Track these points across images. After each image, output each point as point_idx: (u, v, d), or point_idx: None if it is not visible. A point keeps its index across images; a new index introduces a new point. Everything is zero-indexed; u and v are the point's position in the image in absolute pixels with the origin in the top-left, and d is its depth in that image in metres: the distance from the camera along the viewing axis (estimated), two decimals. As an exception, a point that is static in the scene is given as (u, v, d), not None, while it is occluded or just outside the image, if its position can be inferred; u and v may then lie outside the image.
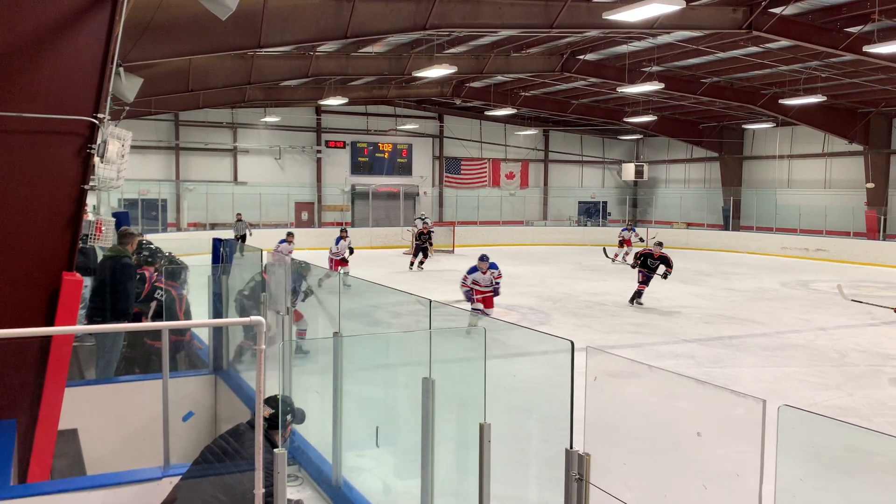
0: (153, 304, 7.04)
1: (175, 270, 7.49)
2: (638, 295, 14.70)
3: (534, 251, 27.24)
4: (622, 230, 23.99)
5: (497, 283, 12.10)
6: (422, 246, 21.44)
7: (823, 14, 15.09)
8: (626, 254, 22.26)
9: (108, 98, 5.84)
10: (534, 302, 15.04)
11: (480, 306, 11.97)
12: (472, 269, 12.07)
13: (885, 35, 14.47)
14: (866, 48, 13.99)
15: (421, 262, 21.28)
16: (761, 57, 18.90)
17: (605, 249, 17.56)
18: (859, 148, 25.58)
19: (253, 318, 2.29)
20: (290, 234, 16.78)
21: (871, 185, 25.48)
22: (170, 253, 8.60)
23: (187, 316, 7.46)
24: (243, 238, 23.03)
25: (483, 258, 12.13)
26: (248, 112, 28.75)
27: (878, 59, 15.97)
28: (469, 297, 12.11)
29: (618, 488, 2.21)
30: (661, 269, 14.64)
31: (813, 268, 22.58)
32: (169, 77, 17.44)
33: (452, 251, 26.38)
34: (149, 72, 13.99)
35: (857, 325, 12.96)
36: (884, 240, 24.74)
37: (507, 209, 33.69)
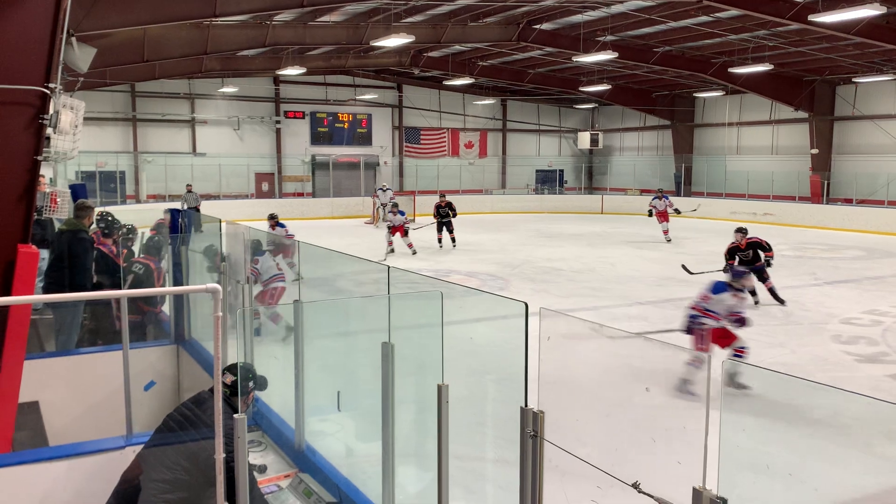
0: (130, 278, 6.91)
1: (154, 244, 7.37)
2: (775, 298, 11.43)
3: (493, 219, 27.33)
4: (653, 199, 20.34)
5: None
6: (444, 221, 18.72)
7: (771, -16, 15.24)
8: (666, 231, 19.85)
9: (60, 68, 5.66)
10: (493, 269, 15.13)
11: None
12: (720, 287, 7.25)
13: (829, 5, 14.65)
14: (811, 17, 14.18)
15: (452, 239, 18.72)
16: (711, 26, 19.04)
17: (684, 266, 12.97)
18: (804, 115, 26.04)
19: (209, 285, 2.26)
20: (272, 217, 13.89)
21: (815, 151, 26.00)
22: (131, 225, 8.43)
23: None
24: (196, 210, 22.45)
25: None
26: (206, 83, 28.11)
27: (822, 27, 16.20)
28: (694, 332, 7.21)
29: (571, 444, 2.25)
30: (761, 255, 11.53)
31: (761, 231, 22.98)
32: (124, 47, 16.95)
33: (413, 220, 26.31)
34: (103, 42, 13.57)
35: (801, 285, 13.30)
36: (827, 203, 25.34)
37: (467, 178, 33.66)
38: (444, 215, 18.80)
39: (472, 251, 18.03)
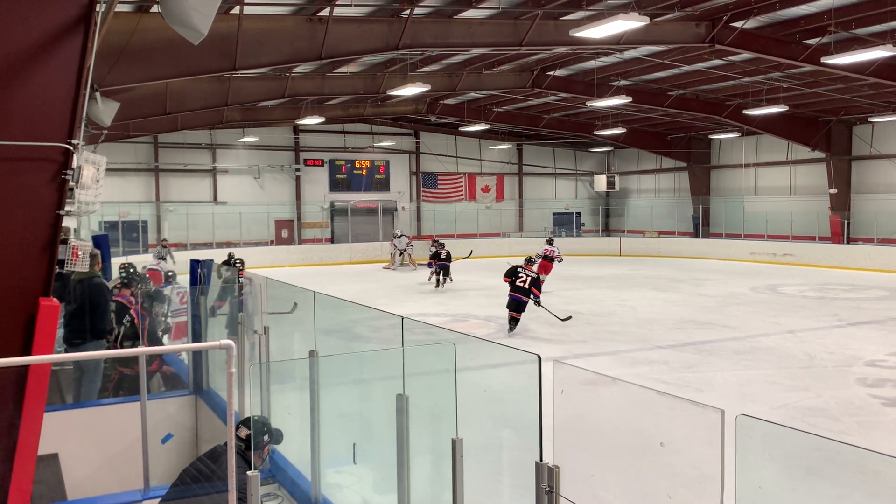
0: (121, 329, 6.92)
1: (147, 296, 7.40)
2: None
3: (511, 262, 27.30)
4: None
5: None
6: (443, 265, 20.20)
7: (783, 27, 15.34)
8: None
9: (83, 123, 5.80)
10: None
11: None
12: None
13: (842, 46, 14.74)
14: (824, 59, 14.23)
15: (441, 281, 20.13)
16: (725, 69, 19.17)
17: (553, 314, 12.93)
18: (821, 155, 25.97)
19: (223, 342, 2.27)
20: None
21: (833, 191, 25.86)
22: (147, 274, 8.52)
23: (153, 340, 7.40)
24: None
25: None
26: (227, 133, 28.63)
27: (835, 69, 16.26)
28: None
29: (587, 499, 2.21)
30: None
31: (781, 272, 22.85)
32: (146, 100, 17.34)
33: (431, 265, 26.37)
34: (126, 96, 13.91)
35: (824, 327, 13.11)
36: (848, 243, 25.10)
37: (484, 222, 33.78)
38: (444, 259, 20.23)
39: (490, 295, 17.99)
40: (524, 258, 14.16)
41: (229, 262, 19.53)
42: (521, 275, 13.13)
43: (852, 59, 13.92)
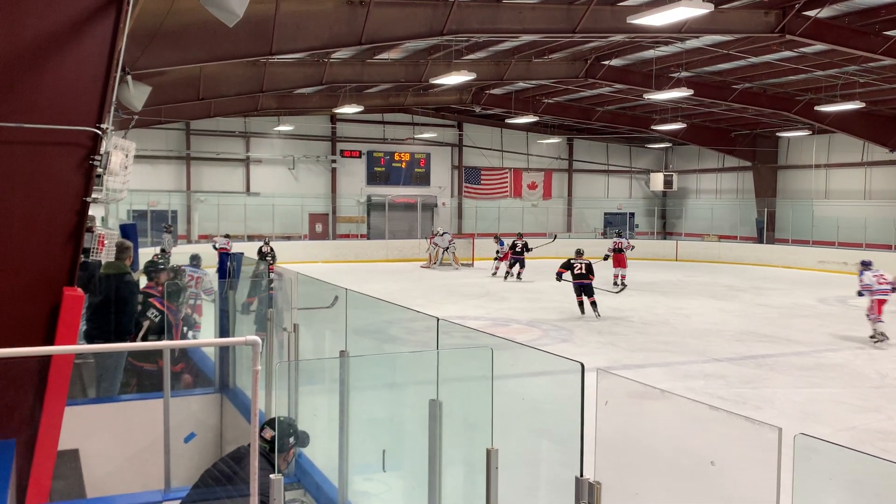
0: (145, 323, 7.02)
1: (173, 291, 7.51)
2: None
3: (558, 265, 27.12)
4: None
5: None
6: (519, 258, 22.08)
7: (861, 17, 14.98)
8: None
9: (112, 108, 5.92)
10: (557, 318, 14.99)
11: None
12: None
13: (927, 38, 14.35)
14: (906, 52, 13.87)
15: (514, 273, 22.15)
16: (796, 62, 18.79)
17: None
18: (901, 156, 25.32)
19: (249, 337, 2.30)
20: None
21: (913, 196, 25.20)
22: (178, 266, 8.66)
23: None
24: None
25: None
26: (261, 121, 29.02)
27: (919, 63, 15.84)
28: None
29: (630, 519, 2.19)
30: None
31: (852, 283, 22.27)
32: (179, 85, 17.65)
33: (472, 264, 26.39)
34: (158, 80, 14.17)
35: (898, 343, 12.76)
36: (928, 253, 24.42)
37: (530, 220, 33.63)
38: (519, 252, 21.92)
39: (534, 298, 17.93)
40: (574, 250, 16.11)
41: (262, 253, 20.03)
42: (575, 265, 15.31)
43: (938, 52, 13.54)
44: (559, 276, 15.59)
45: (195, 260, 14.46)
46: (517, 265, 22.04)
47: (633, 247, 21.77)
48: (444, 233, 26.41)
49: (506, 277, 22.02)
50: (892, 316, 15.58)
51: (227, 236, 23.87)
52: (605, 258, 20.66)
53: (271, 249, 19.89)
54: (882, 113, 24.24)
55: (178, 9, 11.24)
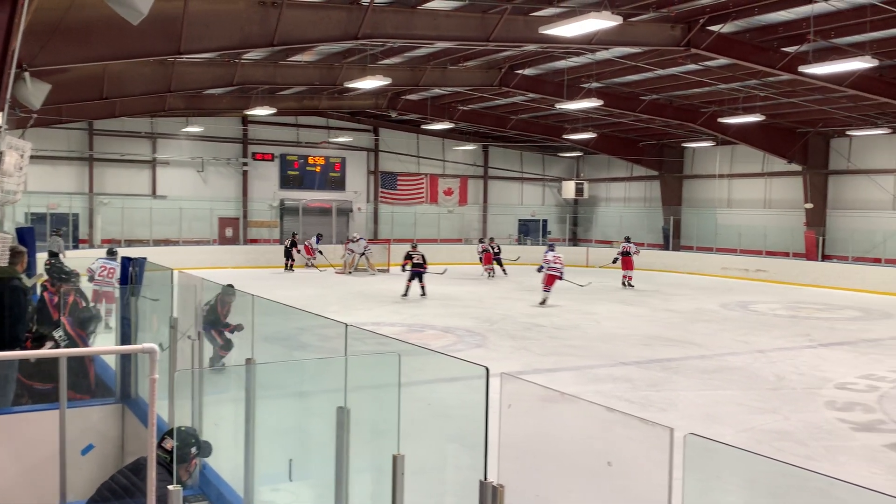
0: (48, 344, 6.72)
1: (84, 320, 7.23)
2: None
3: (472, 270, 27.36)
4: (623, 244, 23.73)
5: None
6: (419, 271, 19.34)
7: (761, 33, 15.71)
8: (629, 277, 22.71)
9: (7, 106, 5.67)
10: (471, 323, 15.11)
11: None
12: None
13: (820, 56, 15.14)
14: (802, 68, 14.59)
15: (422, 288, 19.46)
16: (700, 75, 19.54)
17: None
18: (798, 168, 26.59)
19: (145, 345, 2.24)
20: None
21: (809, 206, 26.49)
22: (75, 272, 8.35)
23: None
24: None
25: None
26: (169, 122, 28.23)
27: (814, 79, 16.68)
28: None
29: (532, 520, 2.23)
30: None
31: (753, 289, 23.29)
32: (82, 83, 17.02)
33: (388, 270, 26.33)
34: (59, 77, 13.62)
35: (795, 347, 13.39)
36: (822, 260, 25.69)
37: (446, 226, 33.85)
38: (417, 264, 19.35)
39: (449, 304, 18.02)
40: (411, 244, 20.24)
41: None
42: (414, 256, 19.08)
43: (830, 69, 14.31)
44: (404, 268, 19.33)
45: (111, 253, 14.45)
46: (417, 279, 19.39)
47: (639, 252, 23.54)
48: (359, 238, 26.27)
49: (405, 292, 19.36)
50: (808, 322, 16.34)
51: (58, 234, 22.49)
52: (614, 261, 23.09)
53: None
54: (781, 126, 25.44)
55: (80, 3, 10.85)
